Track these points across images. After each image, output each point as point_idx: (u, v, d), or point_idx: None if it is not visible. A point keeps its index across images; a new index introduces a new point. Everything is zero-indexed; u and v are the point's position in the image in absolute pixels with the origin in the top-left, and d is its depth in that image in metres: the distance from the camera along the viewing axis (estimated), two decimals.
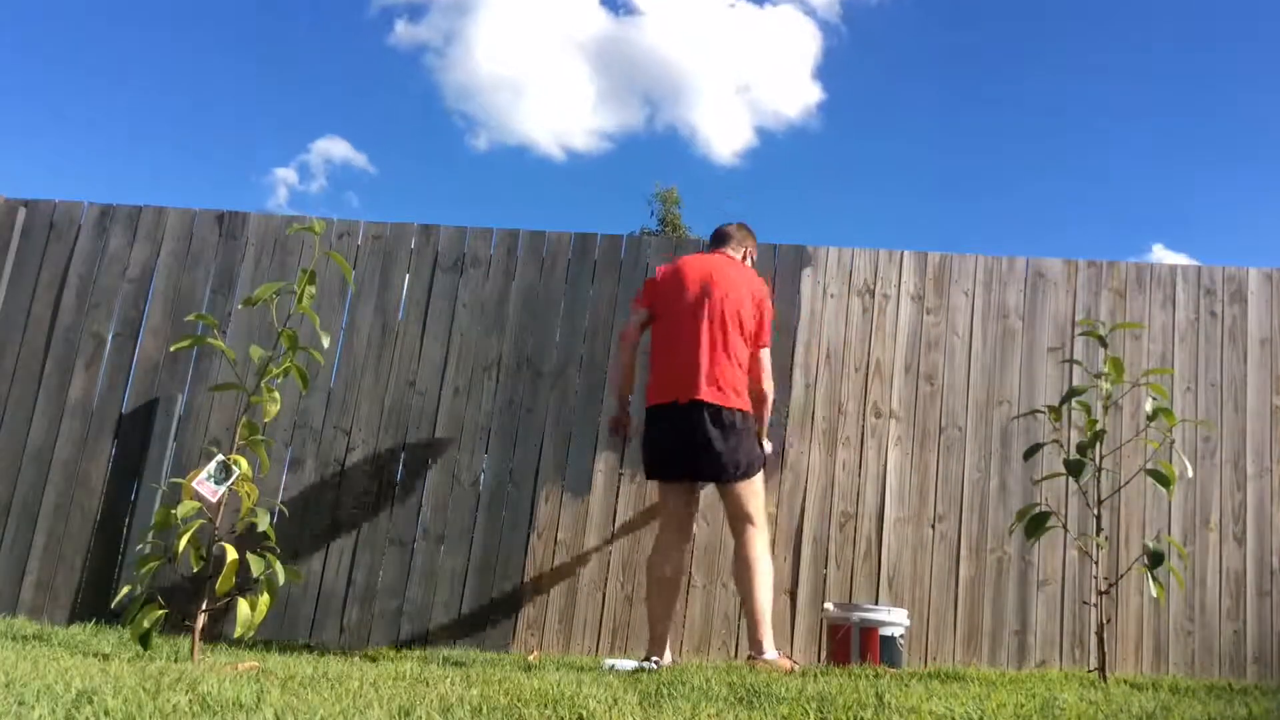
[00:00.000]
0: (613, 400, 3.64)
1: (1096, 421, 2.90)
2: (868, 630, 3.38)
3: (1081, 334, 3.89)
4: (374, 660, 3.05)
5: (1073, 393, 2.98)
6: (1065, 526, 3.66)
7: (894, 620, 3.43)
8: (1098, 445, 2.86)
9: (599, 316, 4.12)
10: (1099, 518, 2.89)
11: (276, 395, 2.74)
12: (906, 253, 4.16)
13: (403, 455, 4.02)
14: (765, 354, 3.44)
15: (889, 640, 3.38)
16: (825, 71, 35.76)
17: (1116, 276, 4.10)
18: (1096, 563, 3.06)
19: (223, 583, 2.55)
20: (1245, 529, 3.82)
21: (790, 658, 3.44)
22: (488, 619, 3.84)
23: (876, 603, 3.76)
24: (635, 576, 3.85)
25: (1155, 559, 2.73)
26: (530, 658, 3.50)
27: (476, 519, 3.94)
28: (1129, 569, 3.67)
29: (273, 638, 3.75)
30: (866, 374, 4.00)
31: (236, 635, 2.53)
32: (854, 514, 3.89)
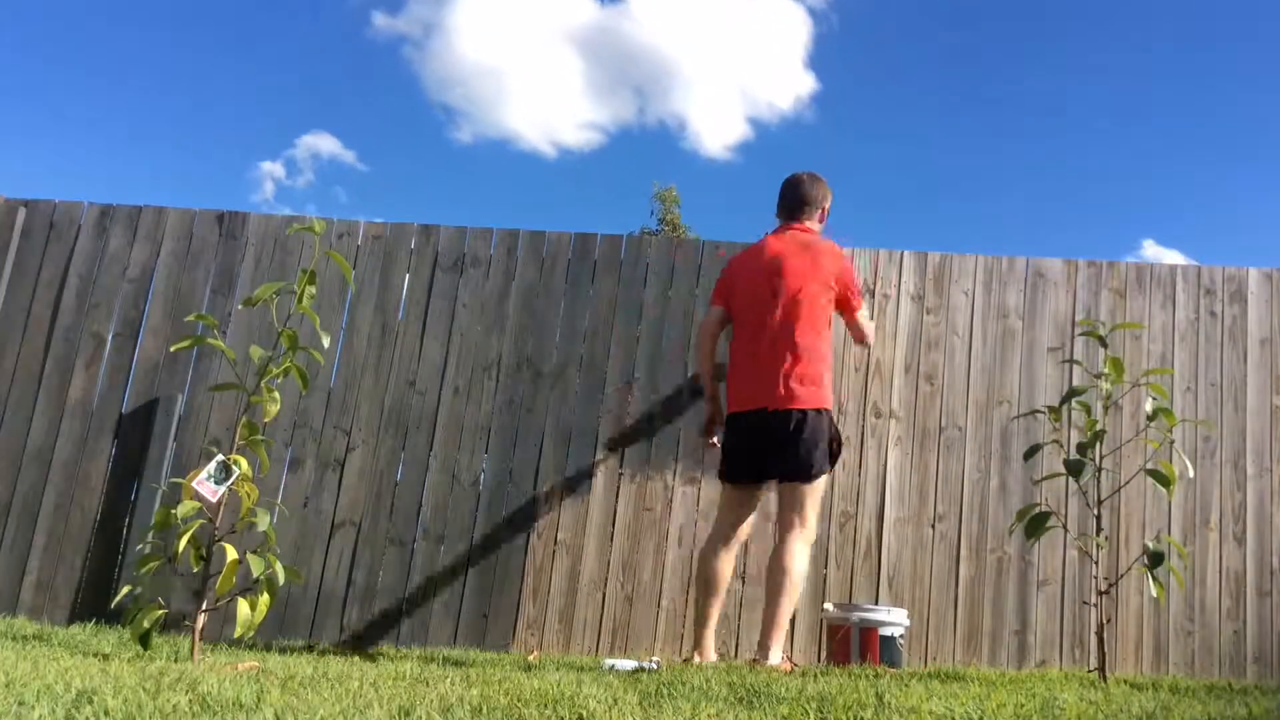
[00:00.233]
0: (706, 405, 3.49)
1: (1096, 421, 2.90)
2: (867, 630, 3.38)
3: (1081, 334, 3.89)
4: (374, 660, 3.05)
5: (1073, 393, 2.98)
6: (1065, 526, 3.66)
7: (893, 620, 3.43)
8: (1098, 445, 2.86)
9: (599, 316, 4.12)
10: (1099, 518, 2.89)
11: (276, 395, 2.74)
12: (906, 252, 4.16)
13: (403, 455, 4.02)
14: (862, 315, 3.45)
15: (889, 640, 3.38)
16: (817, 60, 35.54)
17: (1116, 276, 4.10)
18: (1096, 563, 3.06)
19: (223, 583, 2.55)
20: (1245, 529, 3.82)
21: (790, 658, 3.44)
22: (488, 619, 3.84)
23: (876, 603, 3.76)
24: (635, 576, 3.86)
25: (1155, 559, 2.73)
26: (530, 658, 3.50)
27: (476, 519, 3.94)
28: (1129, 569, 3.67)
29: (273, 638, 3.75)
30: (866, 374, 4.00)
31: (236, 635, 2.53)
32: (854, 514, 3.89)
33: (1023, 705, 1.86)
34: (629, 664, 2.98)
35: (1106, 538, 3.73)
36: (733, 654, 3.73)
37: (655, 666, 2.86)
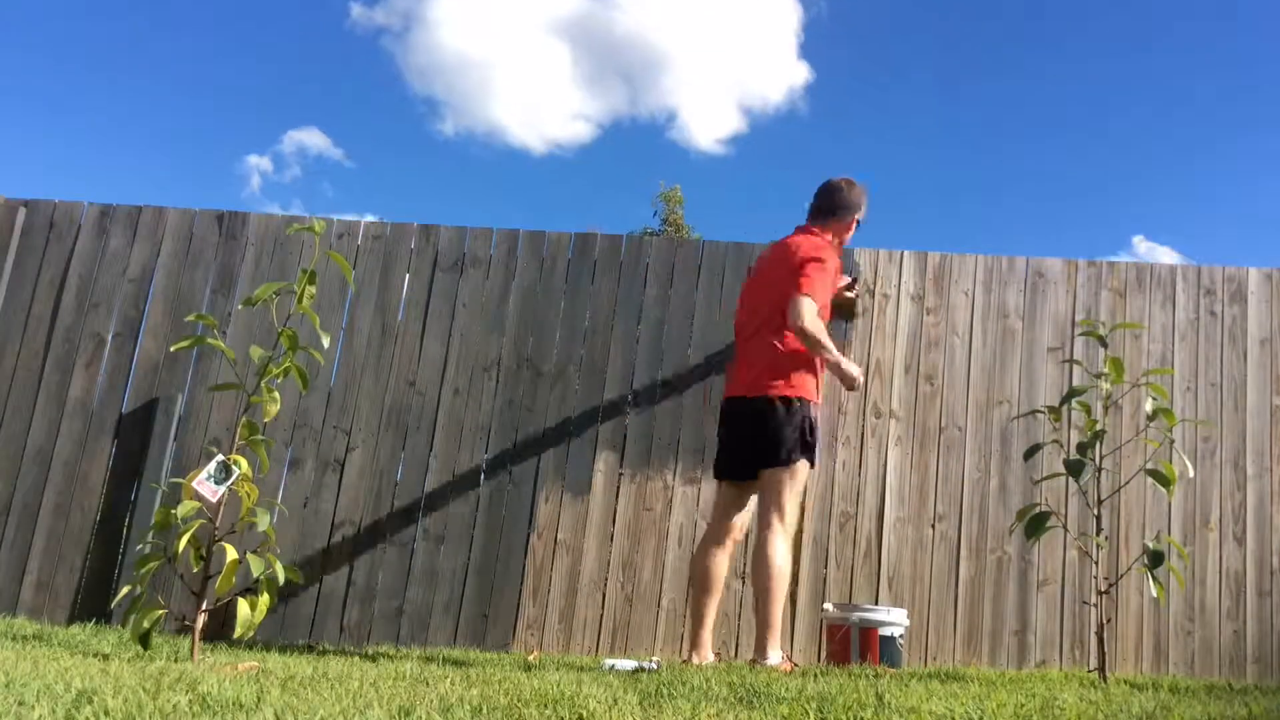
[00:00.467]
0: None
1: (1096, 421, 2.90)
2: (867, 630, 3.38)
3: (1081, 334, 3.89)
4: (374, 660, 3.05)
5: (1073, 393, 2.98)
6: (1065, 526, 3.66)
7: (893, 620, 3.43)
8: (1098, 445, 2.86)
9: (599, 316, 4.12)
10: (1099, 518, 2.89)
11: (276, 395, 2.74)
12: (906, 252, 4.16)
13: (403, 455, 4.02)
14: (801, 301, 3.19)
15: (888, 640, 3.38)
16: (810, 49, 35.29)
17: (1116, 276, 4.10)
18: (1096, 563, 3.06)
19: (223, 583, 2.55)
20: (1245, 529, 3.82)
21: (790, 658, 3.44)
22: (488, 619, 3.84)
23: (876, 603, 3.76)
24: (635, 576, 3.86)
25: (1155, 559, 2.72)
26: (530, 658, 3.50)
27: (476, 519, 3.94)
28: (1129, 569, 3.67)
29: (273, 638, 3.75)
30: (866, 374, 4.00)
31: (236, 635, 2.53)
32: (854, 514, 3.89)
33: (1023, 705, 1.86)
34: (629, 664, 2.98)
35: (1106, 538, 3.72)
36: (733, 654, 3.73)
37: (655, 666, 2.86)
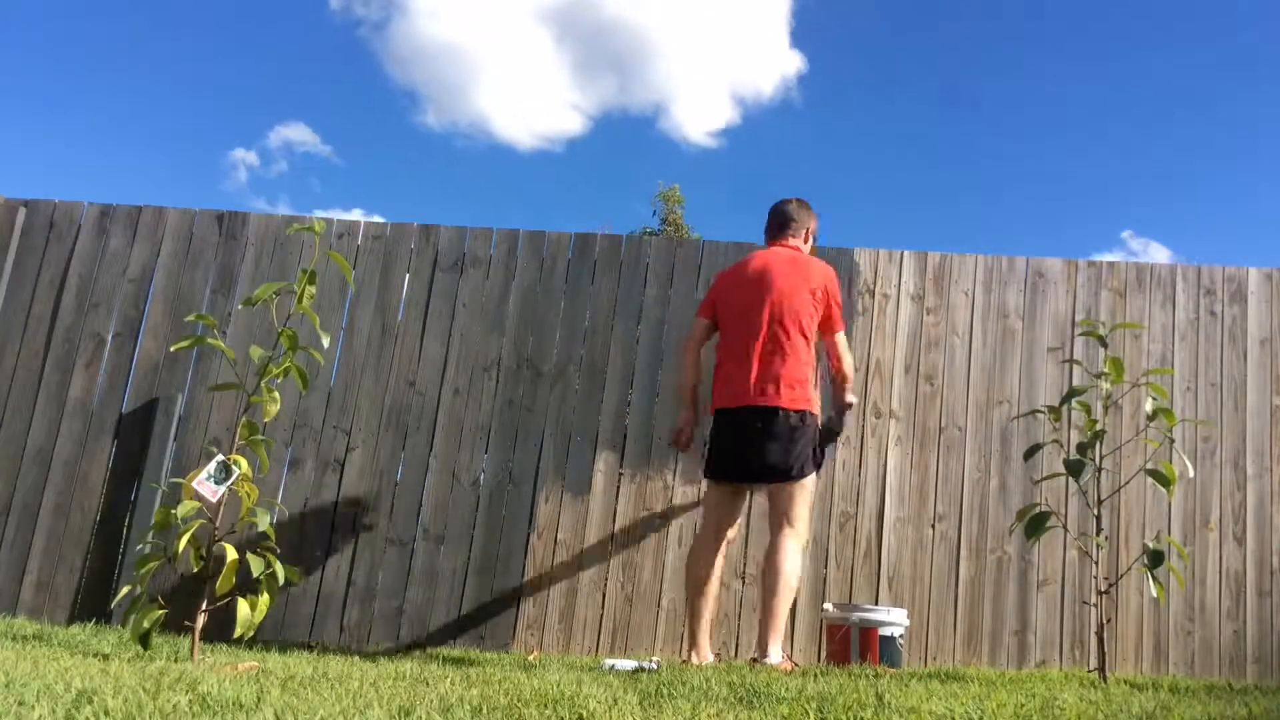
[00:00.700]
0: (683, 411, 3.54)
1: (1096, 421, 2.90)
2: (867, 630, 3.38)
3: (1081, 334, 3.89)
4: (374, 660, 3.05)
5: (1073, 393, 2.98)
6: (1065, 526, 3.66)
7: (893, 620, 3.43)
8: (1098, 445, 2.86)
9: (599, 316, 4.12)
10: (1099, 518, 2.89)
11: (276, 395, 2.74)
12: (906, 252, 4.16)
13: (403, 455, 4.02)
14: (840, 338, 3.43)
15: (888, 640, 3.38)
16: (801, 37, 35.01)
17: (1116, 276, 4.10)
18: (1096, 563, 3.06)
19: (223, 583, 2.55)
20: (1245, 529, 3.82)
21: (790, 658, 3.44)
22: (488, 619, 3.84)
23: (876, 603, 3.76)
24: (635, 576, 3.86)
25: (1155, 559, 2.72)
26: (530, 658, 3.50)
27: (476, 519, 3.94)
28: (1129, 569, 3.67)
29: (273, 638, 3.75)
30: (866, 374, 4.00)
31: (236, 635, 2.53)
32: (854, 514, 3.89)
33: (1023, 705, 1.86)
34: (629, 664, 2.98)
35: (1106, 538, 3.73)
36: (733, 654, 3.73)
37: (655, 666, 2.86)
